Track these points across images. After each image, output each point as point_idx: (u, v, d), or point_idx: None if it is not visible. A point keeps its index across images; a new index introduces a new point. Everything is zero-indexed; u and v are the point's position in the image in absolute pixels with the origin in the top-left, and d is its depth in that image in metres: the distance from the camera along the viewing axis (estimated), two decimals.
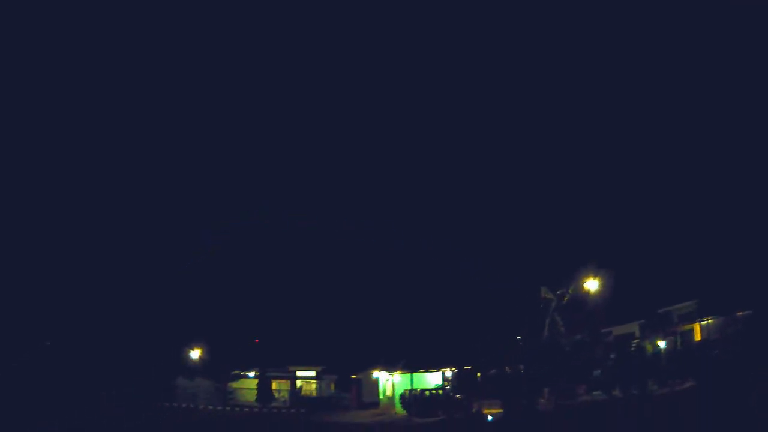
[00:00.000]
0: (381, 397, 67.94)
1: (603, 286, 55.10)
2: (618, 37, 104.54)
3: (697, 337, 55.67)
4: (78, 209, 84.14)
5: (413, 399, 58.69)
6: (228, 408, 65.95)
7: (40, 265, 71.56)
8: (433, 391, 58.72)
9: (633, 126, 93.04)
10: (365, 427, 57.96)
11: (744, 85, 75.47)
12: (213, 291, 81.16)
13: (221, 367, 69.26)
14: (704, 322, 55.27)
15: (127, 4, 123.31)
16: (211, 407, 65.63)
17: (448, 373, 62.17)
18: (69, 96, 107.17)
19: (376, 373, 68.37)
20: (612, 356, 53.21)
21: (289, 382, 74.57)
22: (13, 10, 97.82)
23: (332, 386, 76.26)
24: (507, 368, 54.90)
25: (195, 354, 70.49)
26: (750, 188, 65.97)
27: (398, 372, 64.27)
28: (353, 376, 73.58)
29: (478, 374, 58.98)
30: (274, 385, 72.71)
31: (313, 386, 75.13)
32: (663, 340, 56.47)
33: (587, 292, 55.57)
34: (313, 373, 75.51)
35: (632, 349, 53.73)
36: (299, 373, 74.81)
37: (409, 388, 61.02)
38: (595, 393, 50.98)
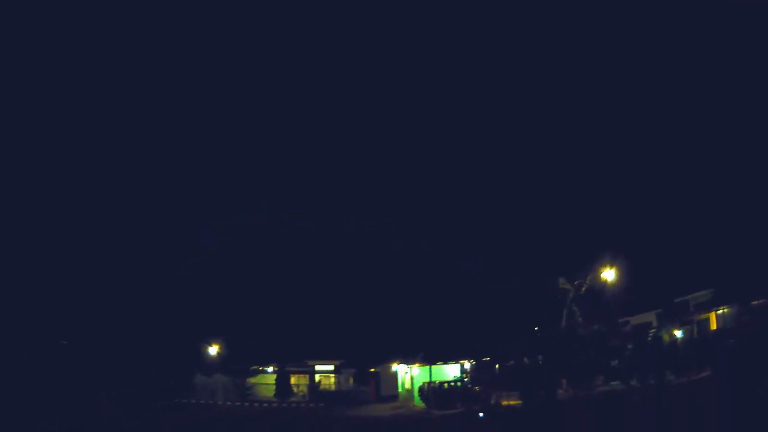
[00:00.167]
0: (400, 390, 68.36)
1: (620, 275, 55.40)
2: (624, 26, 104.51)
3: (713, 326, 55.59)
4: (78, 209, 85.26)
5: (432, 391, 58.86)
6: (246, 403, 66.45)
7: (42, 265, 72.44)
8: (452, 384, 58.81)
9: (649, 115, 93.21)
10: (384, 421, 58.31)
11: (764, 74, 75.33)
12: (229, 288, 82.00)
13: (239, 363, 69.81)
14: (720, 311, 55.20)
15: (127, 4, 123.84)
16: (229, 403, 66.19)
17: (467, 364, 62.48)
18: (69, 97, 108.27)
19: (394, 366, 68.77)
20: (629, 346, 53.19)
21: (307, 376, 75.03)
22: (13, 10, 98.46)
23: (351, 380, 76.61)
24: (525, 359, 55.06)
25: (213, 350, 71.20)
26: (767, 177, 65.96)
27: (417, 364, 64.55)
28: (372, 370, 73.95)
29: (497, 365, 59.17)
30: (293, 380, 73.25)
31: (332, 380, 75.55)
32: (680, 329, 56.52)
33: (604, 282, 55.82)
34: (331, 367, 75.91)
35: (649, 338, 53.75)
36: (318, 368, 75.24)
37: (427, 380, 61.20)
38: (612, 383, 51.09)
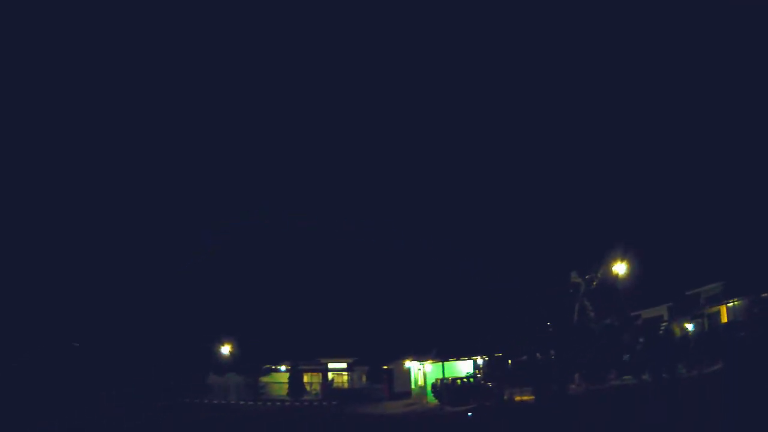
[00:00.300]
0: (413, 386, 68.45)
1: (631, 269, 55.50)
2: (628, 24, 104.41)
3: (724, 319, 55.54)
4: (77, 209, 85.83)
5: (445, 388, 59.05)
6: (259, 402, 66.71)
7: (46, 267, 72.95)
8: (465, 380, 58.98)
9: (659, 109, 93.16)
10: (397, 418, 58.47)
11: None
12: (241, 288, 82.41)
13: (252, 362, 70.01)
14: (731, 304, 55.19)
15: (127, 4, 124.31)
16: (242, 402, 66.46)
17: (480, 361, 62.63)
18: (70, 99, 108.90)
19: (407, 363, 68.91)
20: (641, 340, 53.23)
21: (320, 374, 75.23)
22: (13, 10, 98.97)
23: (364, 378, 76.81)
24: (538, 354, 55.13)
25: (225, 350, 71.44)
26: None
27: (429, 361, 64.62)
28: (385, 367, 74.16)
29: (509, 361, 59.23)
30: (306, 378, 73.34)
31: (345, 378, 75.69)
32: (691, 322, 56.52)
33: (615, 276, 55.93)
34: (344, 365, 76.05)
35: (661, 332, 53.76)
36: (331, 365, 75.39)
37: (440, 377, 61.36)
38: (625, 377, 51.18)
